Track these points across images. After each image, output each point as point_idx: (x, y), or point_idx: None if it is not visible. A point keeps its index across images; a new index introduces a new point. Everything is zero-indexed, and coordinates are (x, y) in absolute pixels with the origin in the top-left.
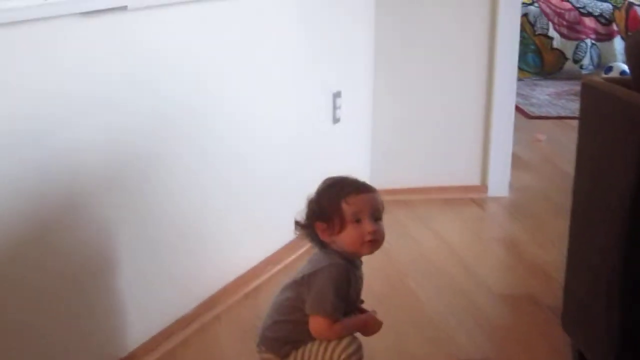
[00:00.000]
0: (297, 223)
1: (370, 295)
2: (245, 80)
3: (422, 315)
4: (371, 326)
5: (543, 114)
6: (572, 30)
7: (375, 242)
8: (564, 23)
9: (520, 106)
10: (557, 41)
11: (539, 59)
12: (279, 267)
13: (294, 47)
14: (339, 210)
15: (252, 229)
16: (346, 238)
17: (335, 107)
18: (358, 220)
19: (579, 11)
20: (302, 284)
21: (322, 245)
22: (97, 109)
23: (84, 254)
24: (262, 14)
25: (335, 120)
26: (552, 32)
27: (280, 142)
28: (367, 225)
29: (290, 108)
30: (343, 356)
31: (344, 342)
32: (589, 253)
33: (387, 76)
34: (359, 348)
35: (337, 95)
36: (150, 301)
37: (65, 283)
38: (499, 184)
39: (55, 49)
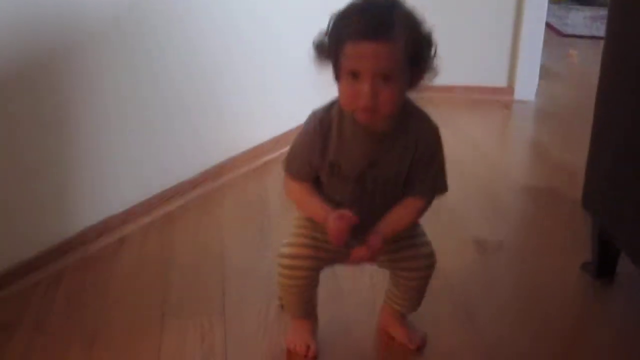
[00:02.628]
0: (315, 46)
1: None
2: None
3: (439, 202)
4: (328, 229)
5: (577, 33)
6: None
7: (367, 110)
8: None
9: (554, 25)
10: None
11: None
12: (288, 147)
13: None
14: (337, 55)
15: (265, 106)
16: (340, 92)
17: None
18: (355, 75)
19: None
20: None
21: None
22: None
23: (83, 100)
24: None
25: None
26: None
27: (297, 26)
28: (362, 86)
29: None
30: (280, 251)
31: (287, 240)
32: (615, 122)
33: None
34: (296, 257)
35: None
36: (150, 161)
37: (60, 132)
38: (527, 87)
39: None
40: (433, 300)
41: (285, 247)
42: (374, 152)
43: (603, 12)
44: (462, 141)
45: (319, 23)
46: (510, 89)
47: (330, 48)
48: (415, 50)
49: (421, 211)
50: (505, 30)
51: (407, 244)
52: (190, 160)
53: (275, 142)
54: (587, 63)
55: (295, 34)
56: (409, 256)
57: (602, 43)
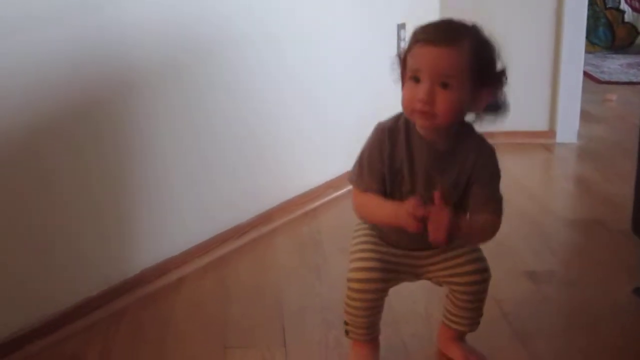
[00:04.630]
0: (396, 57)
1: None
2: (304, 9)
3: None
4: (403, 221)
5: (614, 80)
6: None
7: (424, 114)
8: None
9: (591, 73)
10: (629, 15)
11: (610, 32)
12: (339, 192)
13: None
14: (405, 59)
15: (316, 153)
16: (402, 96)
17: (400, 39)
18: (416, 79)
19: None
20: None
21: None
22: None
23: (132, 146)
24: None
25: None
26: (623, 6)
27: (343, 75)
28: (419, 90)
29: (354, 40)
30: (348, 275)
31: (354, 257)
32: None
33: (454, 12)
34: (366, 281)
35: (401, 27)
36: (203, 206)
37: (121, 181)
38: (568, 130)
39: None
40: (488, 328)
41: (354, 271)
42: (433, 169)
43: (638, 59)
44: (508, 180)
45: (372, 69)
46: (552, 132)
47: (403, 54)
48: (482, 69)
49: (495, 228)
50: (545, 79)
51: (465, 260)
52: (242, 205)
53: (326, 187)
54: (626, 106)
55: (348, 79)
56: (465, 272)
57: (639, 88)
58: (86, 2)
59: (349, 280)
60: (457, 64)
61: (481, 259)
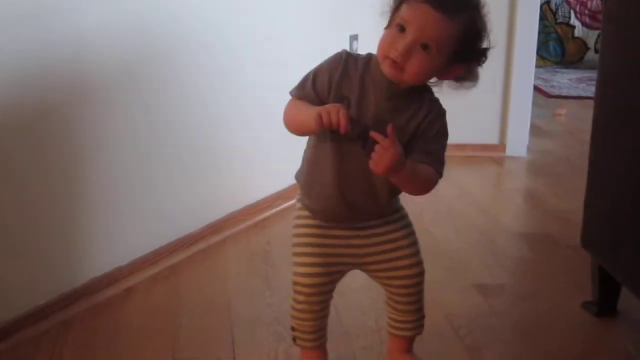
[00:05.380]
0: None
1: None
2: (259, 17)
3: (439, 250)
4: (327, 115)
5: (563, 94)
6: (594, 19)
7: (394, 64)
8: (586, 12)
9: (541, 87)
10: (579, 30)
11: (560, 47)
12: (289, 203)
13: None
14: (398, 6)
15: (266, 163)
16: (381, 38)
17: (352, 50)
18: (402, 30)
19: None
20: None
21: None
22: None
23: (89, 155)
24: None
25: None
26: (573, 21)
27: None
28: (400, 41)
29: (307, 49)
30: (293, 279)
31: (297, 260)
32: (612, 162)
33: None
34: (313, 276)
35: (354, 38)
36: (154, 215)
37: (68, 187)
38: (518, 143)
39: None
40: (438, 340)
41: (299, 275)
42: (384, 106)
43: (588, 74)
44: (459, 193)
45: None
46: (502, 145)
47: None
48: (465, 48)
49: (435, 182)
50: (496, 92)
51: (404, 263)
52: (193, 214)
53: (276, 198)
54: (575, 121)
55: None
56: (404, 275)
57: (588, 102)
58: (47, 6)
59: (295, 284)
60: (446, 35)
61: (419, 262)
